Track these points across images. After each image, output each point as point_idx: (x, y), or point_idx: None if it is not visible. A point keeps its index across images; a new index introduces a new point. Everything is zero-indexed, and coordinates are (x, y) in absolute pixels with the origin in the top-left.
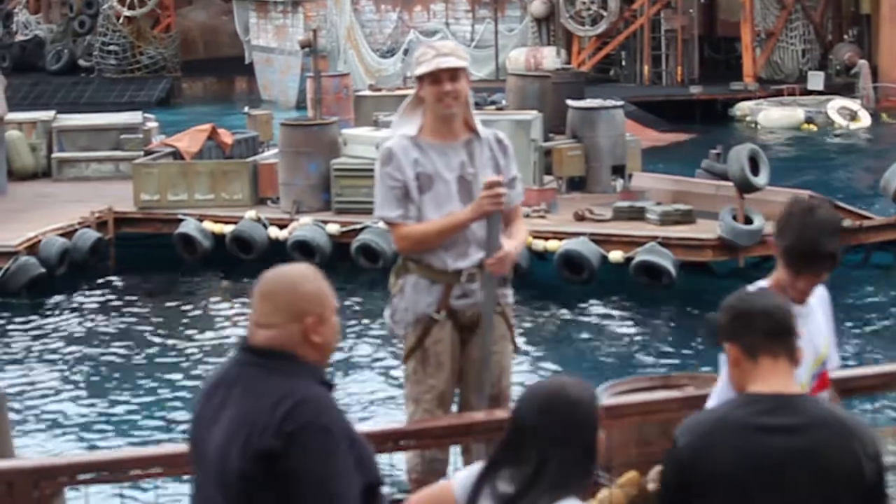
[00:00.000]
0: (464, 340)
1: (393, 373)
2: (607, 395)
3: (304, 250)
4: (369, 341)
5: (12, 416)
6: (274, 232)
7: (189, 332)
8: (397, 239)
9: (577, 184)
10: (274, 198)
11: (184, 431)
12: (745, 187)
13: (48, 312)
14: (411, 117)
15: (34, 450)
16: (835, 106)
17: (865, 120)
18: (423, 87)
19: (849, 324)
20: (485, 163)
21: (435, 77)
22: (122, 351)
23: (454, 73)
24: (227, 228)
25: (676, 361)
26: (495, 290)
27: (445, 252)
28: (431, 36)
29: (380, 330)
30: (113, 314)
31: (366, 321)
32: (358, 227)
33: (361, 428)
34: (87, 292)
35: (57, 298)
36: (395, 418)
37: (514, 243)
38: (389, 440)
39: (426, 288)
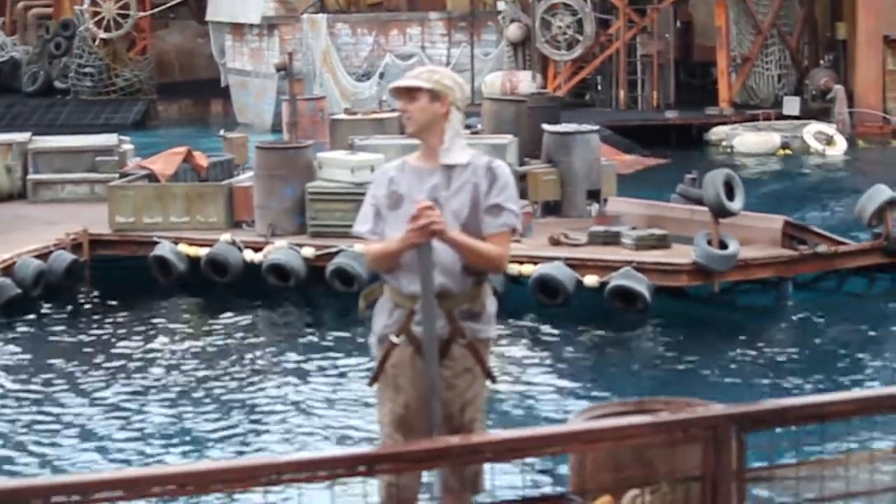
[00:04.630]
0: None
1: (367, 396)
2: (582, 420)
3: (279, 273)
4: (343, 363)
5: None
6: (249, 255)
7: (164, 354)
8: (364, 255)
9: (552, 208)
10: (249, 221)
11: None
12: (720, 212)
13: (23, 334)
14: None
15: (7, 472)
16: (811, 131)
17: (841, 145)
18: None
19: (824, 349)
20: (461, 187)
21: (397, 97)
22: (97, 373)
23: (409, 95)
24: (203, 251)
25: (651, 386)
26: (434, 318)
27: (402, 274)
28: (407, 59)
29: (354, 354)
30: (88, 336)
31: (340, 344)
32: (333, 250)
33: (331, 452)
34: (63, 314)
35: (31, 320)
36: (369, 442)
37: (469, 238)
38: (361, 464)
39: (389, 310)
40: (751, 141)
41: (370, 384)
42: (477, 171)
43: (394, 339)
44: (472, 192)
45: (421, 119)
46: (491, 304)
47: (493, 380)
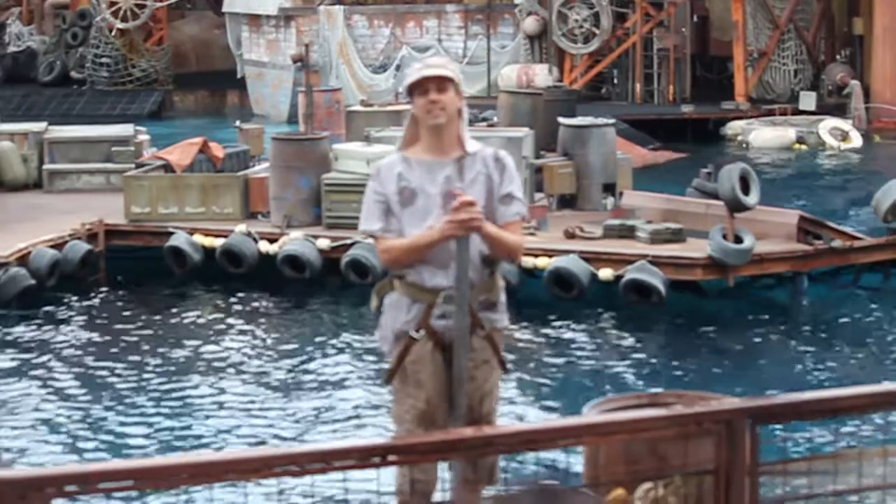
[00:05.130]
0: (448, 361)
1: (380, 388)
2: (595, 413)
3: (294, 265)
4: (357, 357)
5: (1, 426)
6: (264, 246)
7: (178, 344)
8: (379, 252)
9: (567, 201)
10: (264, 212)
11: (172, 443)
12: (735, 206)
13: (38, 324)
14: (410, 137)
15: (22, 461)
16: (826, 126)
17: (857, 140)
18: (413, 102)
19: (838, 344)
20: (474, 178)
21: (422, 87)
22: (111, 363)
23: (441, 84)
24: (218, 242)
25: (665, 379)
26: (467, 312)
27: (424, 267)
28: (424, 52)
29: (368, 345)
30: (102, 326)
31: (354, 336)
32: (348, 242)
33: (345, 443)
34: (77, 304)
35: (47, 310)
36: (381, 433)
37: (498, 229)
38: (375, 455)
39: (406, 306)
40: (766, 136)
41: (386, 382)
42: (486, 161)
43: (414, 334)
44: (487, 183)
45: (452, 110)
46: (503, 294)
47: (507, 370)
